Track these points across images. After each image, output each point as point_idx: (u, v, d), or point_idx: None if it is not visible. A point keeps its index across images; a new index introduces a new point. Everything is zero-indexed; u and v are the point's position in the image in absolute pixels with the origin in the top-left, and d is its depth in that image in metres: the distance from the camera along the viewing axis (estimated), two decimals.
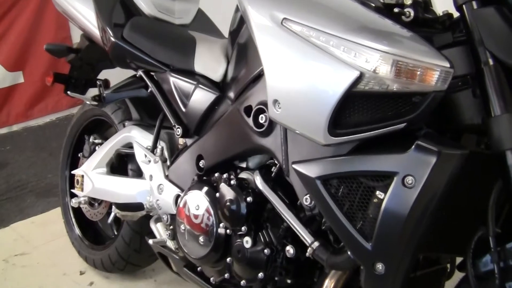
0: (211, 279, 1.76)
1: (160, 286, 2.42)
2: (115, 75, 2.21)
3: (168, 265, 2.02)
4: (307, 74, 1.23)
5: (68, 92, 2.30)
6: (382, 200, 1.17)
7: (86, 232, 2.58)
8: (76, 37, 3.56)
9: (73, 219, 2.59)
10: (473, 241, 1.24)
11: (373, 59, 1.13)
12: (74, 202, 2.37)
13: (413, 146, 1.14)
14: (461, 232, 1.28)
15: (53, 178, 3.31)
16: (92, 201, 2.42)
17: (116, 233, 2.39)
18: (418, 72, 1.13)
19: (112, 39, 1.96)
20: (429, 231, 1.18)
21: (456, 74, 1.17)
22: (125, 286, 2.43)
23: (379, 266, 1.21)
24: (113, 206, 1.97)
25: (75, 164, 2.57)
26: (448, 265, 1.51)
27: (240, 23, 1.67)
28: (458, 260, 1.44)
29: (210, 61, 1.82)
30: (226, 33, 1.85)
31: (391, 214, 1.16)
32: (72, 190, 2.45)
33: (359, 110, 1.19)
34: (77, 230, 2.58)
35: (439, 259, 1.48)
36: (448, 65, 1.13)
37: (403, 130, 1.17)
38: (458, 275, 1.38)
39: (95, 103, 2.05)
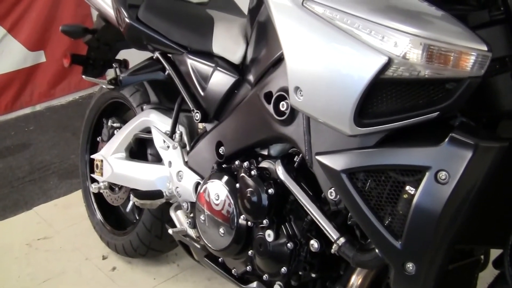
0: (233, 270, 1.70)
1: (183, 271, 2.39)
2: (136, 55, 2.13)
3: (189, 254, 1.97)
4: (330, 59, 1.13)
5: (83, 76, 2.24)
6: (412, 196, 1.09)
7: (108, 216, 2.54)
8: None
9: (95, 204, 2.55)
10: (511, 236, 1.16)
11: (402, 43, 1.03)
12: (94, 188, 2.33)
13: (447, 139, 1.05)
14: (500, 224, 1.20)
15: (76, 158, 3.26)
16: (112, 186, 2.37)
17: (137, 218, 2.34)
18: (452, 57, 1.03)
19: (127, 20, 1.89)
20: (464, 227, 1.09)
21: (494, 56, 1.06)
22: (148, 272, 2.40)
23: (410, 266, 1.13)
24: (131, 195, 1.92)
25: (95, 147, 2.52)
26: (482, 257, 1.42)
27: (260, 0, 1.58)
28: (493, 252, 1.37)
29: (228, 42, 1.73)
30: (246, 10, 1.76)
31: (423, 212, 1.08)
32: (92, 175, 2.40)
33: (387, 98, 1.10)
34: (98, 215, 2.54)
35: (473, 251, 1.40)
36: (485, 48, 1.03)
37: (435, 119, 1.07)
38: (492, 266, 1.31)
39: (112, 87, 1.98)
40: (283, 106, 1.37)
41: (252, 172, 1.50)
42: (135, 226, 2.28)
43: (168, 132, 1.96)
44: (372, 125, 1.11)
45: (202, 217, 1.69)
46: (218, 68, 1.71)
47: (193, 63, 1.79)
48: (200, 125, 1.89)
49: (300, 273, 1.46)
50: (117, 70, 2.14)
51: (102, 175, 2.29)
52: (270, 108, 1.40)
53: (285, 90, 1.33)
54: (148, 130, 2.09)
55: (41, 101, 4.40)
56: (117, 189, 2.36)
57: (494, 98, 1.13)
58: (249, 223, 1.55)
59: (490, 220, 1.20)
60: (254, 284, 1.62)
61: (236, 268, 1.69)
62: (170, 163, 1.92)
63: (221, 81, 1.70)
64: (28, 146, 3.77)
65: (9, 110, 4.24)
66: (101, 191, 2.37)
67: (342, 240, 1.29)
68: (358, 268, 1.36)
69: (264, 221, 1.47)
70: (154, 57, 1.95)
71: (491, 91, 1.12)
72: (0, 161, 3.55)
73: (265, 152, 1.59)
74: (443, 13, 1.08)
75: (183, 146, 1.91)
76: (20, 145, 3.78)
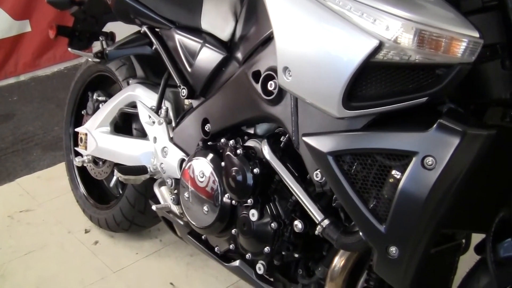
0: (216, 248, 1.70)
1: (165, 246, 2.39)
2: (123, 28, 2.10)
3: (172, 230, 1.97)
4: (321, 41, 1.12)
5: (69, 49, 2.21)
6: (398, 180, 1.09)
7: (91, 190, 2.52)
8: None
9: (78, 177, 2.53)
10: (494, 223, 1.16)
11: (394, 27, 1.01)
12: (77, 161, 2.32)
13: (435, 125, 1.04)
14: (484, 209, 1.20)
15: (60, 130, 3.21)
16: (96, 159, 2.35)
17: (121, 192, 2.33)
18: (443, 42, 1.01)
19: None
20: (449, 212, 1.09)
21: (485, 43, 1.05)
22: (130, 246, 2.39)
23: (393, 250, 1.13)
24: (115, 170, 1.90)
25: (79, 120, 2.49)
26: (463, 240, 1.43)
27: None
28: (474, 236, 1.38)
29: (218, 18, 1.70)
30: None
31: (408, 197, 1.07)
32: (76, 148, 2.38)
33: (376, 82, 1.08)
34: (82, 188, 2.53)
35: (455, 235, 1.40)
36: (477, 34, 1.02)
37: (424, 104, 1.06)
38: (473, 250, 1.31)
39: (98, 60, 1.95)
40: (271, 85, 1.36)
41: (238, 151, 1.49)
42: (119, 201, 2.27)
43: (154, 107, 1.94)
44: (360, 108, 1.10)
45: (186, 194, 1.68)
46: (206, 44, 1.69)
47: (181, 39, 1.76)
48: (187, 101, 1.88)
49: (283, 253, 1.47)
50: (104, 43, 2.11)
51: (86, 148, 2.27)
52: (258, 87, 1.39)
53: (274, 69, 1.32)
54: (133, 105, 2.07)
55: (26, 71, 4.34)
56: (101, 163, 2.35)
57: (484, 85, 1.11)
58: (233, 201, 1.54)
59: (475, 205, 1.21)
60: (237, 262, 1.62)
61: (219, 246, 1.69)
62: (155, 138, 1.91)
63: (208, 57, 1.68)
64: (12, 117, 3.72)
65: None
66: (85, 164, 2.36)
67: (326, 222, 1.29)
68: (341, 250, 1.36)
69: (249, 201, 1.47)
70: (141, 31, 1.92)
71: (480, 78, 1.11)
72: None
73: (251, 131, 1.58)
74: None
75: (168, 122, 1.90)
76: (3, 116, 3.74)
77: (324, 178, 1.25)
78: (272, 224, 1.43)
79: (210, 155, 1.60)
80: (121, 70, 2.19)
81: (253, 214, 1.47)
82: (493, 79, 1.10)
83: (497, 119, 1.18)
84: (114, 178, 2.25)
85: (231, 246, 1.61)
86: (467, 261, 1.34)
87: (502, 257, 1.14)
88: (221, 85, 1.63)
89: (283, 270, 1.54)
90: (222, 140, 1.59)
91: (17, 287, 2.19)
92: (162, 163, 1.88)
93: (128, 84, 2.13)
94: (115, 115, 2.17)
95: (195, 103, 1.77)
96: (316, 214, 1.31)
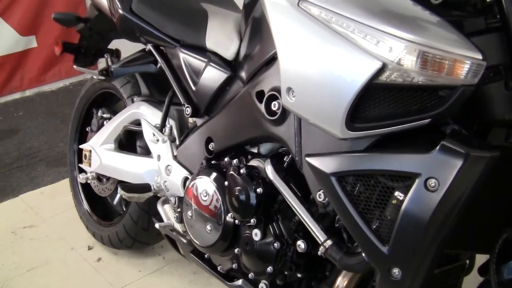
0: (219, 267, 1.69)
1: (168, 264, 2.38)
2: (128, 44, 2.10)
3: (175, 248, 1.96)
4: (324, 62, 1.12)
5: (75, 66, 2.22)
6: (401, 202, 1.08)
7: (95, 206, 2.52)
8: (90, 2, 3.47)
9: (82, 194, 2.53)
10: (498, 244, 1.16)
11: (397, 49, 1.02)
12: (81, 178, 2.32)
13: (438, 147, 1.04)
14: (487, 230, 1.20)
15: (65, 146, 3.23)
16: (100, 176, 2.36)
17: (124, 209, 2.33)
18: (446, 64, 1.02)
19: (120, 11, 1.87)
20: (452, 233, 1.09)
21: (488, 64, 1.05)
22: (133, 263, 2.38)
23: (396, 271, 1.13)
24: (119, 188, 1.90)
25: (83, 137, 2.50)
26: (467, 261, 1.43)
27: None
28: (478, 257, 1.37)
29: (222, 37, 1.71)
30: (241, 5, 1.74)
31: (411, 218, 1.07)
32: (80, 165, 2.38)
33: (380, 103, 1.09)
34: (85, 205, 2.52)
35: (459, 255, 1.40)
36: (480, 56, 1.02)
37: (427, 125, 1.07)
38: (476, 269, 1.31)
39: (103, 77, 1.96)
40: (274, 106, 1.36)
41: (241, 170, 1.49)
42: (122, 218, 2.27)
43: (158, 125, 1.94)
44: (363, 130, 1.10)
45: (189, 213, 1.68)
46: (210, 63, 1.69)
47: (185, 57, 1.77)
48: (191, 120, 1.88)
49: (285, 273, 1.46)
50: (109, 60, 2.12)
51: (90, 165, 2.28)
52: (262, 107, 1.39)
53: (277, 90, 1.32)
54: (138, 123, 2.07)
55: (31, 87, 4.37)
56: (104, 180, 2.35)
57: (487, 106, 1.12)
58: (236, 221, 1.54)
59: (478, 226, 1.21)
60: (240, 281, 1.61)
61: (222, 265, 1.69)
62: (159, 156, 1.91)
63: (213, 76, 1.68)
64: (17, 132, 3.74)
65: None
66: (89, 181, 2.36)
67: (329, 242, 1.29)
68: (344, 270, 1.35)
69: (252, 220, 1.47)
70: (146, 49, 1.93)
71: (484, 98, 1.11)
72: None
73: (254, 150, 1.58)
74: (438, 19, 1.07)
75: (172, 140, 1.90)
76: (8, 131, 3.75)
77: (327, 198, 1.25)
78: (275, 244, 1.43)
79: (214, 174, 1.60)
80: (126, 87, 2.20)
81: (256, 234, 1.46)
82: (496, 100, 1.11)
83: (500, 139, 1.18)
84: (118, 195, 2.26)
85: (234, 265, 1.61)
86: (471, 282, 1.34)
87: (506, 278, 1.14)
88: (225, 104, 1.63)
89: None
90: (226, 159, 1.59)
91: None
92: (165, 181, 1.88)
93: (132, 101, 2.14)
94: (120, 132, 2.17)
95: (199, 121, 1.77)
96: (319, 234, 1.31)
